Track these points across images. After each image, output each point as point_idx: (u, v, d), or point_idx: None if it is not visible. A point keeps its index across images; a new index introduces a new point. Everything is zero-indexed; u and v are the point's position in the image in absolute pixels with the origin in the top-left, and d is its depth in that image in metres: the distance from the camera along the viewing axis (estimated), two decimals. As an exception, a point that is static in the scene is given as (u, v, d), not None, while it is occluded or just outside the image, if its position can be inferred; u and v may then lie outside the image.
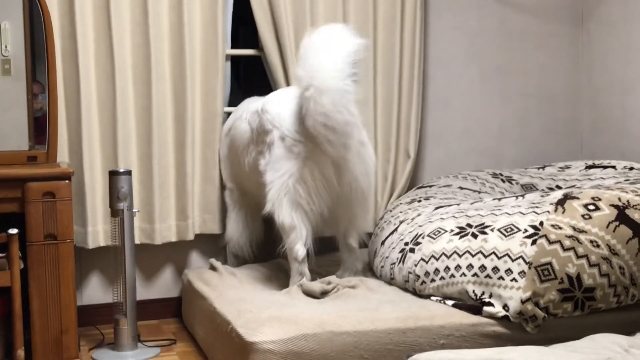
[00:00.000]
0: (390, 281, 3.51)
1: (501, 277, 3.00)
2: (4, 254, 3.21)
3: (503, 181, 4.24)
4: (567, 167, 4.25)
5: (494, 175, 4.29)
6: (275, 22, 4.06)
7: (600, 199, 3.14)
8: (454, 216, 3.40)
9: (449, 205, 3.61)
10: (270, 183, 3.40)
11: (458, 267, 3.14)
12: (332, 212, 3.51)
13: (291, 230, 3.41)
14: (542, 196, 3.31)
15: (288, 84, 4.08)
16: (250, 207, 3.96)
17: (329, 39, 3.33)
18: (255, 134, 3.59)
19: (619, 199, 3.14)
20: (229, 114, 4.14)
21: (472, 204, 3.54)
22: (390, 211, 3.96)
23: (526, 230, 3.06)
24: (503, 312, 2.95)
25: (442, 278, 3.18)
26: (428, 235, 3.35)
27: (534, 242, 3.01)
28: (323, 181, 3.37)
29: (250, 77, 4.82)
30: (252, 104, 3.78)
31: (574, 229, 3.04)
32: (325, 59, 3.27)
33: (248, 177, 3.74)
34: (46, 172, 3.34)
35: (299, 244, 3.42)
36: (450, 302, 3.13)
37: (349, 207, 3.53)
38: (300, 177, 3.35)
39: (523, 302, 2.91)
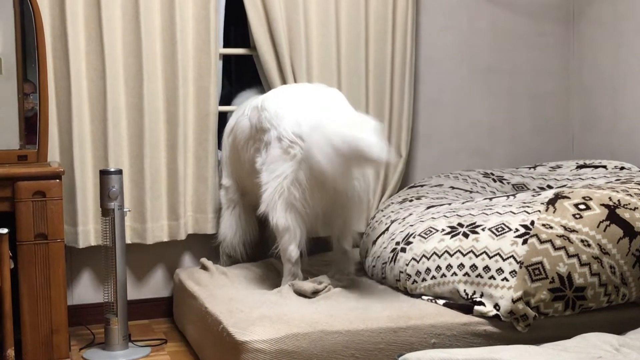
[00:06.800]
0: (382, 280, 3.52)
1: (492, 277, 3.00)
2: (-6, 254, 3.20)
3: (494, 181, 4.24)
4: (559, 166, 4.26)
5: (485, 175, 4.29)
6: (268, 21, 4.05)
7: (591, 199, 3.14)
8: (445, 216, 3.40)
9: (441, 205, 3.62)
10: (265, 184, 3.38)
11: (449, 266, 3.14)
12: (327, 214, 3.49)
13: (285, 232, 3.39)
14: (533, 196, 3.31)
15: (283, 82, 4.07)
16: (245, 207, 3.95)
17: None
18: (254, 130, 3.56)
19: (610, 199, 3.14)
20: (222, 112, 4.13)
21: (463, 203, 3.54)
22: (382, 211, 3.96)
23: (517, 230, 3.07)
24: (494, 312, 2.96)
25: (433, 277, 3.19)
26: (419, 235, 3.35)
27: (525, 242, 3.01)
28: (319, 184, 3.34)
29: (239, 75, 4.80)
30: (253, 101, 3.75)
31: (565, 228, 3.04)
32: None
33: (248, 175, 3.70)
34: (37, 171, 3.33)
35: (292, 246, 3.40)
36: (441, 302, 3.14)
37: (344, 209, 3.49)
38: (296, 179, 3.32)
39: (514, 301, 2.91)
